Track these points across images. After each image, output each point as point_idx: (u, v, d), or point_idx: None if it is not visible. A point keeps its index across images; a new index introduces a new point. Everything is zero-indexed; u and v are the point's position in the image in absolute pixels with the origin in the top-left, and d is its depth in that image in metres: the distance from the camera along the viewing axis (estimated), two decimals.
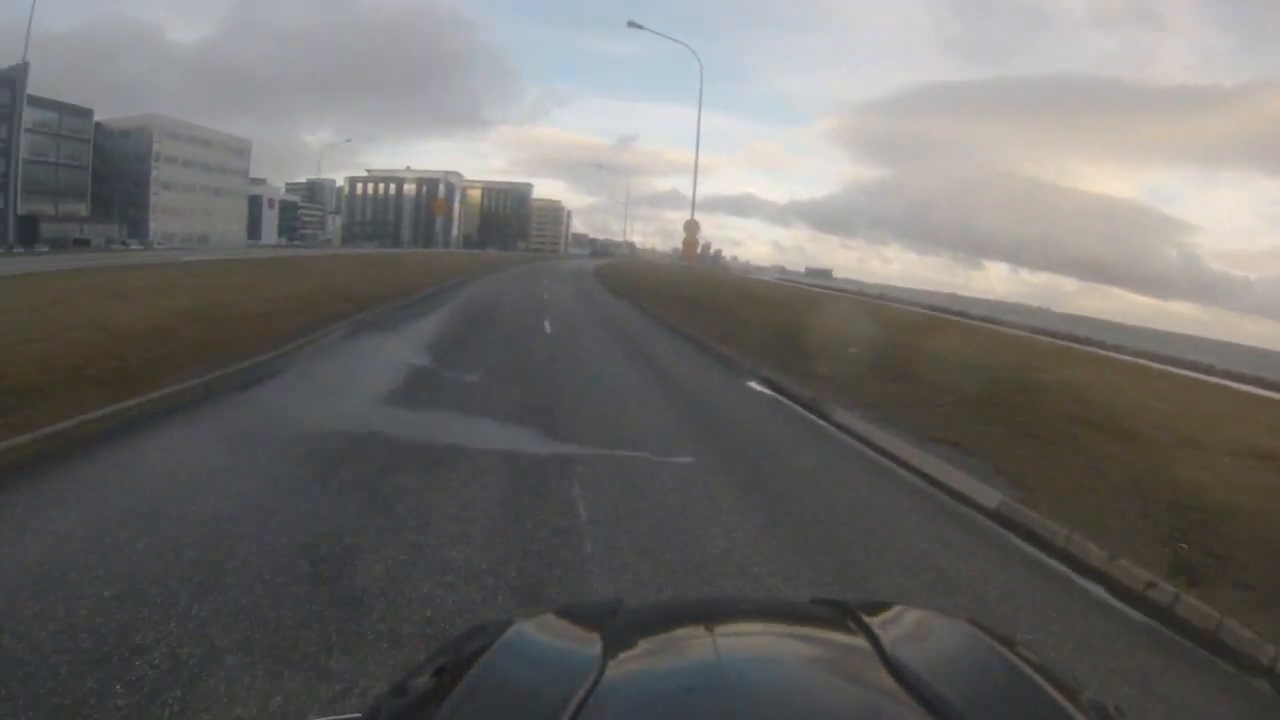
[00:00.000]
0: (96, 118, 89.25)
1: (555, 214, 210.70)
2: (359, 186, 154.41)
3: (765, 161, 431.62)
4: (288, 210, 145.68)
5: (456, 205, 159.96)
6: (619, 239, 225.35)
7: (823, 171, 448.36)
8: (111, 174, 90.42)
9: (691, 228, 31.68)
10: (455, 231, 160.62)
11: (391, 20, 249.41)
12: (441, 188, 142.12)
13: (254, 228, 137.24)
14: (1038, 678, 1.10)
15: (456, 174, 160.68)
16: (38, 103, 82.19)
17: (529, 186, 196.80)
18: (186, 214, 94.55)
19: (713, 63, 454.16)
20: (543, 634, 1.34)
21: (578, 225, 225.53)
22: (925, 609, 1.49)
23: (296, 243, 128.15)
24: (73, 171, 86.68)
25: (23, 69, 78.83)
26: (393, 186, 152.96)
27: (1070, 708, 1.03)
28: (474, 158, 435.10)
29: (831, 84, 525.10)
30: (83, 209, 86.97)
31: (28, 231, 77.92)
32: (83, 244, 77.51)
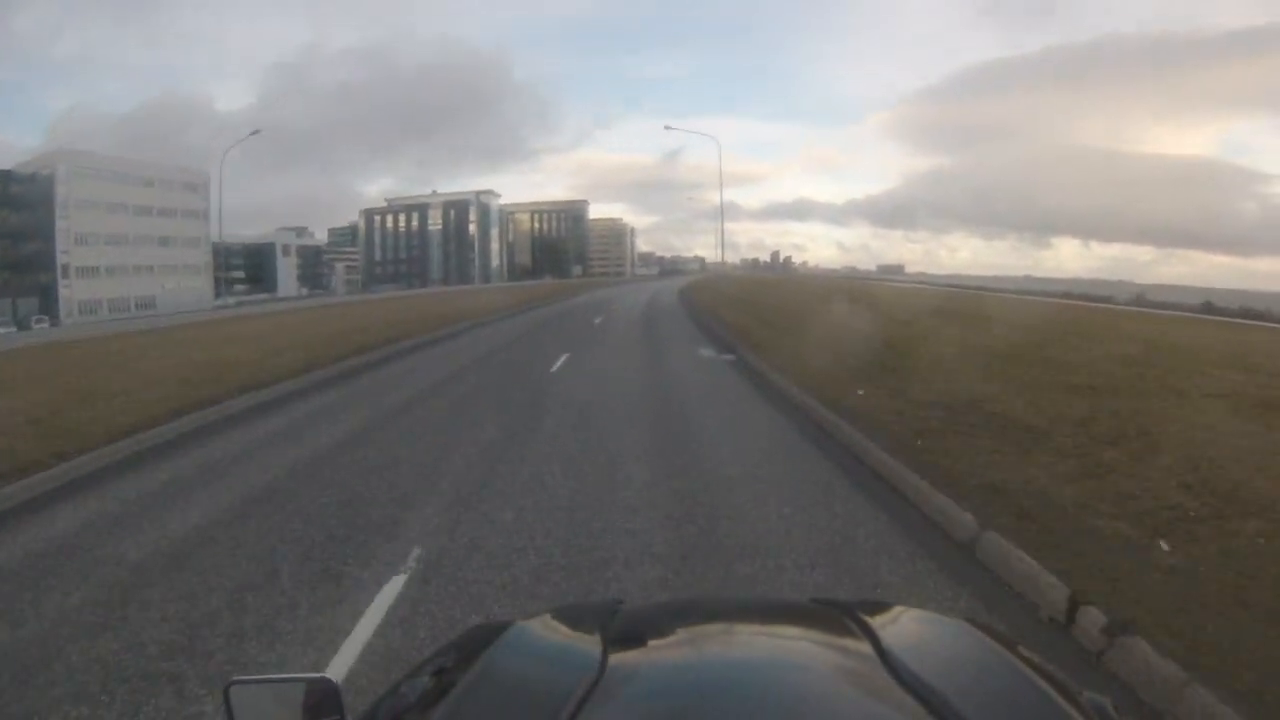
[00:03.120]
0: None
1: (617, 232, 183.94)
2: (377, 219, 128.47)
3: (822, 164, 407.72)
4: (311, 256, 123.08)
5: (495, 230, 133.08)
6: (687, 255, 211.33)
7: (879, 167, 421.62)
8: (25, 232, 67.90)
9: None
10: (497, 262, 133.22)
11: (424, 67, 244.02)
12: (472, 210, 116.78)
13: (269, 279, 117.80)
14: (1037, 678, 1.09)
15: (491, 193, 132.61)
16: None
17: (584, 204, 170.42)
18: (116, 274, 70.62)
19: (762, 71, 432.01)
20: (542, 634, 1.34)
21: (641, 245, 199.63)
22: (925, 609, 1.51)
23: (319, 292, 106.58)
24: None
25: None
26: (415, 216, 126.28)
27: (1069, 708, 1.02)
28: (529, 189, 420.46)
29: (880, 78, 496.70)
30: None
31: None
32: None
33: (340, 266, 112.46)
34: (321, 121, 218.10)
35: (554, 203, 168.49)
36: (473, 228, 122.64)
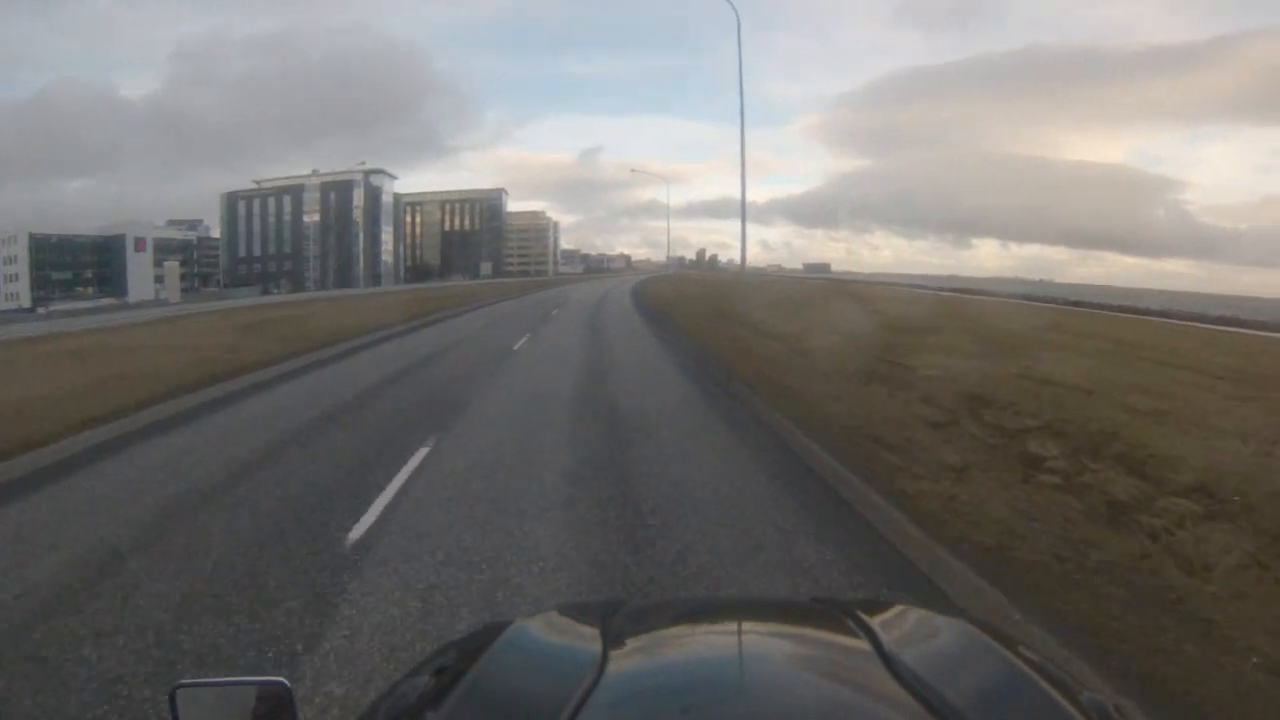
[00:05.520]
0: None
1: (539, 228, 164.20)
2: (241, 205, 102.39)
3: (747, 164, 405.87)
4: (183, 252, 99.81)
5: (389, 220, 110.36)
6: (610, 253, 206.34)
7: (804, 168, 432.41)
8: None
9: None
10: (391, 258, 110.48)
11: (340, 57, 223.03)
12: (358, 193, 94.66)
13: (117, 280, 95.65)
14: (1037, 678, 1.09)
15: (382, 173, 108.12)
16: None
17: (500, 193, 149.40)
18: None
19: (688, 72, 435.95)
20: (543, 633, 1.34)
21: (564, 243, 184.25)
22: (925, 609, 1.52)
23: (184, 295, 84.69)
24: None
25: None
26: (288, 201, 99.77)
27: (1069, 707, 1.02)
28: (449, 186, 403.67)
29: (808, 82, 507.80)
30: None
31: None
32: None
33: (173, 265, 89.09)
34: (230, 111, 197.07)
35: (465, 191, 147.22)
36: (358, 215, 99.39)
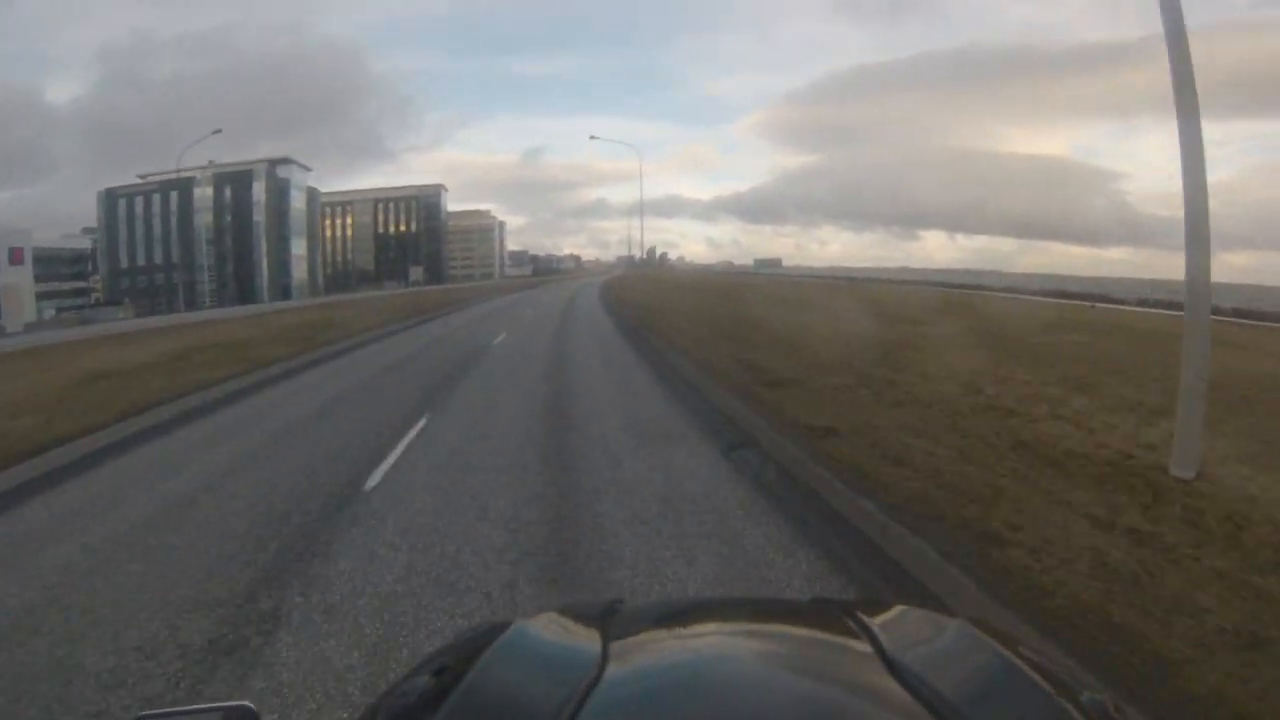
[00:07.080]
0: None
1: (484, 229, 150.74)
2: (122, 204, 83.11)
3: (694, 163, 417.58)
4: (76, 264, 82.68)
5: (302, 217, 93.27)
6: (559, 254, 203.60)
7: (750, 165, 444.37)
8: None
9: None
10: (300, 270, 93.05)
11: (275, 58, 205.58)
12: (258, 187, 78.64)
13: None
14: (1037, 677, 1.08)
15: (290, 163, 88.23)
16: None
17: (438, 189, 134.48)
18: None
19: (638, 72, 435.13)
20: (542, 633, 1.34)
21: (510, 245, 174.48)
22: (926, 609, 1.52)
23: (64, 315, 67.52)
24: None
25: None
26: (175, 199, 79.25)
27: (1070, 707, 1.02)
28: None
29: (755, 81, 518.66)
30: None
31: None
32: None
33: (11, 283, 71.37)
34: (158, 113, 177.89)
35: (400, 189, 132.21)
36: (260, 213, 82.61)
